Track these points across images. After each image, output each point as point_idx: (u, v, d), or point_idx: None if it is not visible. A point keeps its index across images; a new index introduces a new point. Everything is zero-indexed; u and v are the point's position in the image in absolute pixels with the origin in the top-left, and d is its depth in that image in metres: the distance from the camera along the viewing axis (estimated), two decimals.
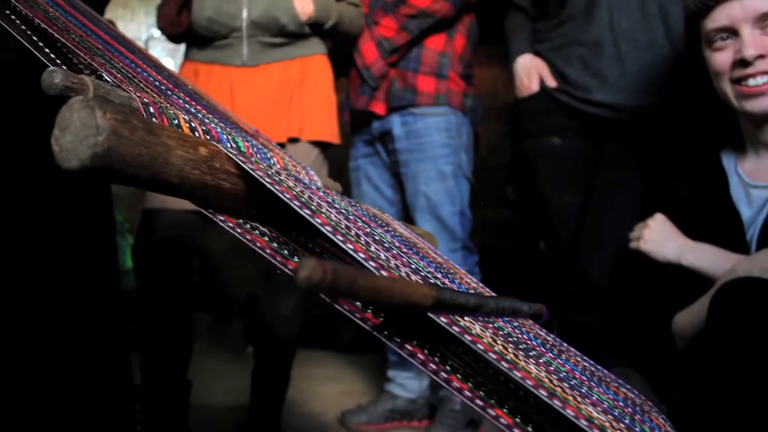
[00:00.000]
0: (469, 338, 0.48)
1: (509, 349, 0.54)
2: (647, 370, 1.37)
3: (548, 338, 0.75)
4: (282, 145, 1.75)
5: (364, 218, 0.71)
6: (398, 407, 2.23)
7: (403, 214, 2.18)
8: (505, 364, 0.48)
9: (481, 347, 0.48)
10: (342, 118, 2.19)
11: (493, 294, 0.85)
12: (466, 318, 0.55)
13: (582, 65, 1.83)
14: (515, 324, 0.69)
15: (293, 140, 1.79)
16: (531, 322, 0.81)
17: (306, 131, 1.77)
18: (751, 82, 1.32)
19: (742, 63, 1.31)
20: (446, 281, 0.68)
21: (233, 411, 2.30)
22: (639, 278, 1.61)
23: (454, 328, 0.49)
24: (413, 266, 0.63)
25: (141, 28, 4.53)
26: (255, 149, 0.79)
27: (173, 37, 1.85)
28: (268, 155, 0.82)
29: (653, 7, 1.78)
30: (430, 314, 0.48)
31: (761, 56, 1.30)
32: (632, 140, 1.82)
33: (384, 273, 0.51)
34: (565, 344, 0.80)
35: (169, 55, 4.39)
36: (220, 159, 0.56)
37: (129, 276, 2.25)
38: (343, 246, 0.52)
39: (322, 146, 1.83)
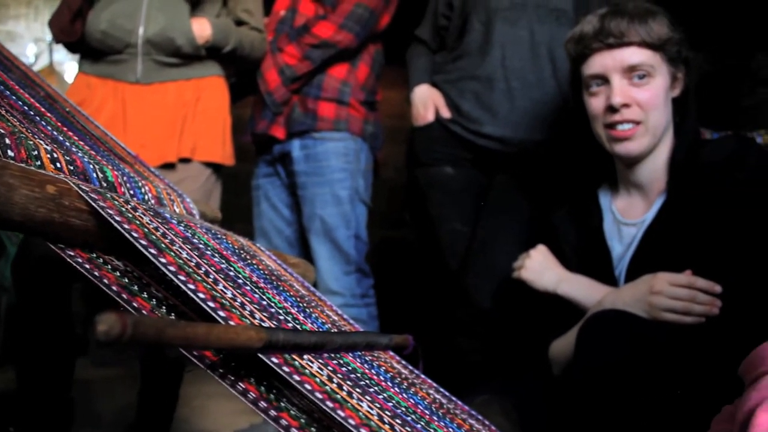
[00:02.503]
0: (298, 378, 0.51)
1: (344, 387, 0.57)
2: (521, 397, 1.43)
3: (403, 371, 0.79)
4: (172, 165, 1.74)
5: (225, 252, 0.72)
6: None
7: (300, 235, 2.20)
8: (330, 404, 0.51)
9: (309, 387, 0.51)
10: (245, 139, 2.20)
11: (357, 328, 0.88)
12: (305, 357, 0.58)
13: (475, 99, 1.90)
14: (367, 359, 0.72)
15: (185, 160, 1.78)
16: (390, 354, 0.84)
17: (198, 152, 1.77)
18: (619, 127, 1.41)
19: (611, 109, 1.40)
20: (300, 316, 0.70)
21: (120, 430, 2.25)
22: (522, 306, 1.68)
23: (284, 368, 0.51)
24: (265, 302, 0.65)
25: (45, 28, 4.39)
26: (125, 179, 0.80)
27: (67, 46, 1.82)
28: (140, 184, 0.83)
29: (543, 48, 1.87)
30: (260, 355, 0.51)
31: (627, 105, 1.39)
32: (520, 172, 1.90)
33: (222, 313, 0.53)
34: (421, 376, 0.84)
35: (74, 59, 4.27)
36: (70, 196, 0.57)
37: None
38: (184, 287, 0.53)
39: (215, 167, 1.84)
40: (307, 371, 0.55)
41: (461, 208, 1.95)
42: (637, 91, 1.40)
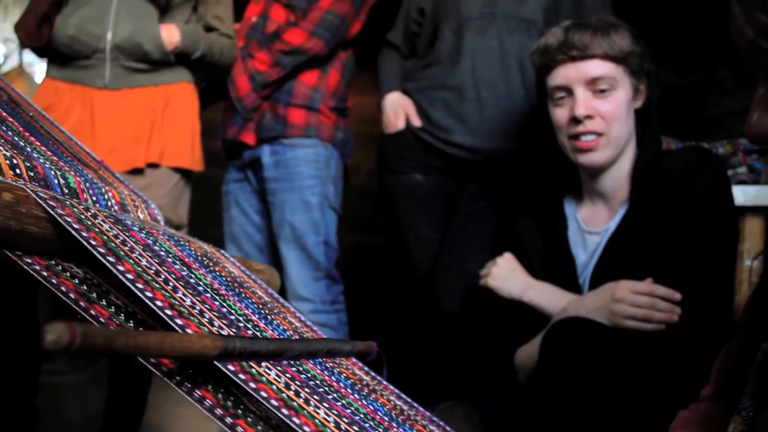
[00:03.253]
0: (254, 385, 0.52)
1: (302, 395, 0.58)
2: (486, 403, 1.45)
3: (364, 378, 0.80)
4: (141, 170, 1.73)
5: (186, 259, 0.73)
6: None
7: (270, 240, 2.20)
8: (286, 411, 0.51)
9: (265, 394, 0.52)
10: (215, 145, 2.20)
11: (320, 335, 0.88)
12: (263, 364, 0.58)
13: (445, 107, 1.92)
14: (328, 366, 0.73)
15: (153, 165, 1.78)
16: (353, 361, 0.85)
17: (167, 157, 1.77)
18: (583, 138, 1.44)
19: (575, 120, 1.43)
20: (261, 323, 0.71)
21: None
22: (489, 313, 1.70)
23: (241, 376, 0.52)
24: (225, 310, 0.66)
25: None
26: (88, 185, 0.80)
27: (34, 50, 1.81)
28: (103, 190, 0.83)
29: (512, 58, 1.89)
30: (216, 363, 0.51)
31: (590, 116, 1.42)
32: (489, 181, 1.92)
33: (179, 321, 0.54)
34: (383, 383, 0.84)
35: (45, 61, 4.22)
36: (28, 204, 0.57)
37: None
38: (141, 295, 0.54)
39: (184, 173, 1.83)
40: (264, 378, 0.55)
41: (430, 216, 1.97)
42: (600, 103, 1.43)
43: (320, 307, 2.11)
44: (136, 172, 1.80)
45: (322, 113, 2.09)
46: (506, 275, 1.57)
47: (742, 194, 1.75)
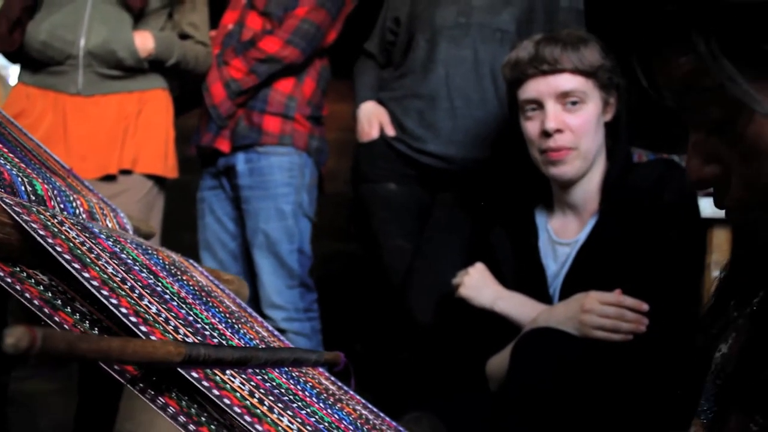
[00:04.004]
0: (217, 393, 0.52)
1: (266, 402, 0.58)
2: (456, 413, 1.46)
3: (331, 387, 0.80)
4: (114, 177, 1.73)
5: (154, 268, 0.73)
6: None
7: (245, 248, 2.20)
8: (249, 418, 0.52)
9: (228, 401, 0.52)
10: (190, 152, 2.19)
11: (287, 345, 0.89)
12: (227, 372, 0.59)
13: (418, 117, 1.93)
14: (294, 375, 0.73)
15: (126, 172, 1.77)
16: (320, 370, 0.85)
17: (140, 164, 1.77)
18: (553, 151, 1.46)
19: (545, 134, 1.45)
20: (227, 332, 0.71)
21: None
22: (460, 322, 1.71)
23: (204, 383, 0.52)
24: (191, 318, 0.66)
25: None
26: (56, 192, 0.80)
27: (5, 56, 1.80)
28: (71, 198, 0.83)
29: (486, 67, 1.91)
30: (180, 370, 0.52)
31: (560, 130, 1.44)
32: (462, 190, 1.94)
33: (144, 328, 0.54)
34: (350, 393, 0.85)
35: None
36: None
37: None
38: (106, 301, 0.54)
39: (158, 180, 1.83)
40: (228, 386, 0.55)
41: (404, 225, 1.98)
42: (570, 117, 1.45)
43: (294, 315, 2.11)
44: (109, 178, 1.79)
45: (297, 121, 2.09)
46: (478, 285, 1.58)
47: (710, 206, 1.77)
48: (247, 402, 0.55)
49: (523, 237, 1.60)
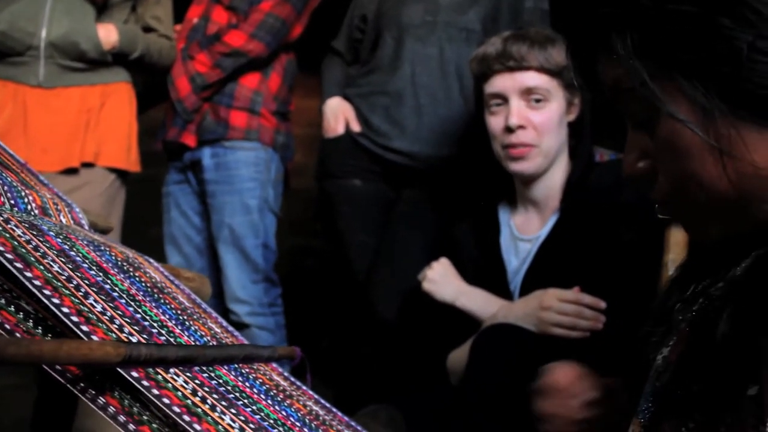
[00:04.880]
0: (157, 392, 0.52)
1: (209, 401, 0.59)
2: (415, 407, 1.47)
3: (282, 384, 0.81)
4: (76, 170, 1.72)
5: (104, 265, 0.73)
6: None
7: (210, 243, 2.20)
8: (188, 417, 0.52)
9: (167, 401, 0.52)
10: (156, 146, 2.18)
11: (242, 341, 0.89)
12: (171, 370, 0.59)
13: (384, 114, 1.94)
14: (243, 372, 0.74)
15: (88, 165, 1.76)
16: (273, 366, 0.86)
17: (102, 157, 1.76)
18: (514, 147, 1.48)
19: (508, 130, 1.47)
20: (177, 329, 0.71)
21: None
22: (423, 317, 1.73)
23: (144, 382, 0.53)
24: (138, 316, 0.66)
25: None
26: (7, 188, 0.80)
27: None
28: (23, 194, 0.83)
29: (451, 66, 1.92)
30: (119, 369, 0.52)
31: (522, 126, 1.46)
32: (427, 187, 1.95)
33: (85, 327, 0.54)
34: (303, 388, 0.86)
35: None
36: None
37: None
38: (47, 301, 0.54)
39: (120, 173, 1.82)
40: (169, 385, 0.56)
41: (368, 221, 1.99)
42: (533, 114, 1.47)
43: (258, 310, 2.11)
44: (71, 171, 1.78)
45: (264, 116, 2.09)
46: (441, 280, 1.59)
47: None
48: (189, 401, 0.56)
49: (485, 233, 1.62)
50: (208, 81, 2.03)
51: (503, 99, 1.49)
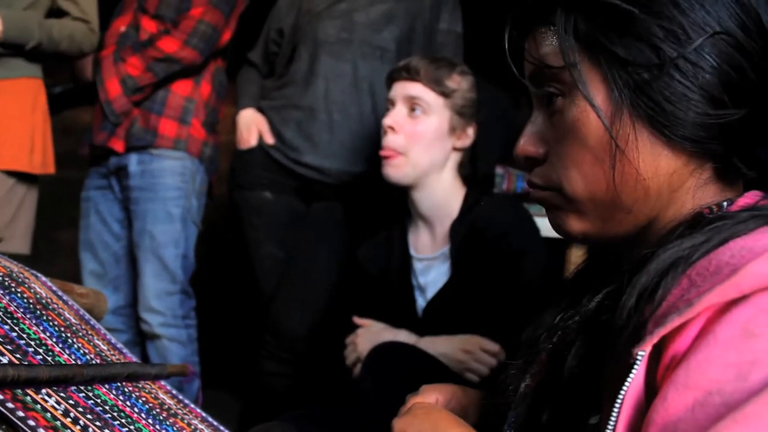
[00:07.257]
0: (22, 414, 0.52)
1: (81, 421, 0.59)
2: (315, 423, 1.48)
3: (167, 402, 0.81)
4: None
5: None
6: None
7: (128, 250, 2.16)
8: None
9: (33, 423, 0.52)
10: (81, 151, 2.13)
11: (130, 358, 0.89)
12: (43, 391, 0.59)
13: (297, 128, 1.96)
14: (126, 390, 0.74)
15: None
16: (161, 384, 0.86)
17: None
18: (385, 149, 1.56)
19: (385, 131, 1.55)
20: (57, 348, 0.71)
21: None
22: (328, 333, 1.74)
23: (9, 404, 0.53)
24: (14, 334, 0.66)
25: None
26: None
27: None
28: None
29: (365, 83, 1.96)
30: None
31: (393, 128, 1.54)
32: (337, 202, 1.97)
33: None
34: (190, 406, 0.86)
35: None
36: None
37: None
38: None
39: (22, 176, 1.75)
40: (38, 406, 0.56)
41: (276, 234, 2.00)
42: (410, 122, 1.54)
43: (171, 321, 2.08)
44: None
45: (193, 127, 2.07)
46: (371, 339, 1.57)
47: None
48: (58, 422, 0.56)
49: (390, 251, 1.65)
50: (140, 84, 1.99)
51: (392, 104, 1.58)
